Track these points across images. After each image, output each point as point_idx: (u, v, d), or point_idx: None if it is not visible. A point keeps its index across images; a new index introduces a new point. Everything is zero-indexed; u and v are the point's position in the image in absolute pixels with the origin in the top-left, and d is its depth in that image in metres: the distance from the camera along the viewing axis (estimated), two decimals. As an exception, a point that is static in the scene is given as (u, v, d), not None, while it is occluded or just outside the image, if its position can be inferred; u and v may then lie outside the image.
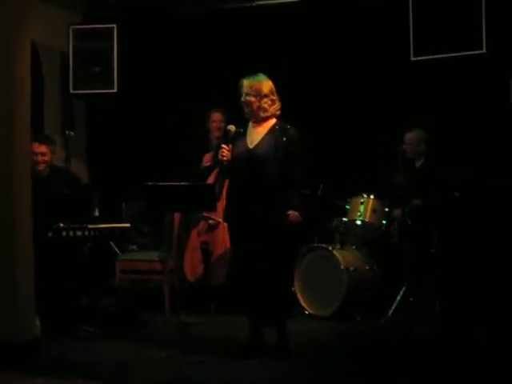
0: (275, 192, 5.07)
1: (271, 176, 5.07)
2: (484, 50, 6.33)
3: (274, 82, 5.28)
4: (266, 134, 5.19)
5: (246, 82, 5.21)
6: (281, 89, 5.31)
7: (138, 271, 6.56)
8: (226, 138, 5.31)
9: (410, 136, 6.71)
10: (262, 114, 5.21)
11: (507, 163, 6.41)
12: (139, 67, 7.91)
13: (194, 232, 6.84)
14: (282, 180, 5.08)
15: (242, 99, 5.21)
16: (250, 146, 5.19)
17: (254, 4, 7.47)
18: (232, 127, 5.31)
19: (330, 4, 7.29)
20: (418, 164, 6.77)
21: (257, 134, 5.22)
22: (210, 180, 6.76)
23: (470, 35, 6.39)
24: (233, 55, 7.55)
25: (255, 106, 5.18)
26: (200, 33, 7.75)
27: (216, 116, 7.05)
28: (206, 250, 6.51)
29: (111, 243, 7.02)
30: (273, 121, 5.25)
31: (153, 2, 7.78)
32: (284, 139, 5.14)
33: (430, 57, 6.60)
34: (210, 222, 6.68)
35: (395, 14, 6.88)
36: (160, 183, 5.66)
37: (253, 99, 5.17)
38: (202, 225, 6.77)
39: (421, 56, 6.66)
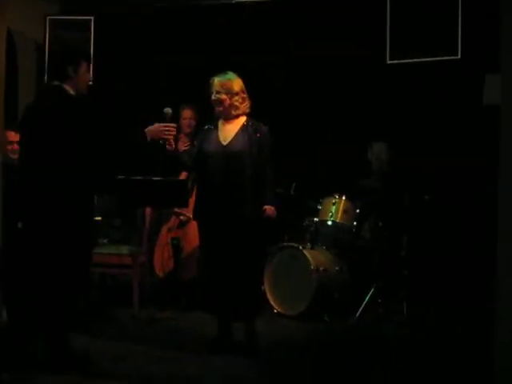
0: (250, 188, 5.10)
1: (246, 172, 5.11)
2: (459, 56, 6.43)
3: (249, 80, 5.30)
4: (239, 131, 5.23)
5: (216, 81, 5.22)
6: (256, 87, 5.32)
7: (107, 265, 6.45)
8: (164, 120, 5.05)
9: (375, 155, 6.76)
10: (233, 112, 5.24)
11: (480, 166, 6.41)
12: (115, 60, 7.86)
13: (165, 227, 6.83)
14: (257, 176, 5.12)
15: (213, 97, 5.23)
16: (224, 143, 5.21)
17: (232, 1, 7.47)
18: (169, 110, 5.13)
19: (307, 4, 7.32)
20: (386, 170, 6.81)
21: (229, 132, 5.25)
22: (183, 175, 6.76)
23: (446, 41, 6.49)
24: (209, 51, 7.54)
25: (226, 104, 5.21)
26: (177, 28, 7.75)
27: (186, 113, 7.02)
28: (176, 246, 6.51)
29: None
30: (243, 118, 5.28)
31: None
32: (257, 136, 5.19)
33: (406, 61, 6.65)
34: (181, 217, 6.67)
35: (372, 16, 6.94)
36: (132, 177, 5.50)
37: (224, 97, 5.19)
38: (173, 220, 6.78)
39: (396, 59, 6.70)
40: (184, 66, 7.63)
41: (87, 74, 4.75)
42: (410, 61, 6.64)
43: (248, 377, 4.68)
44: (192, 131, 6.95)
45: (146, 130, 4.86)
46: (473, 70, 6.55)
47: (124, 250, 6.49)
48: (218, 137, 5.27)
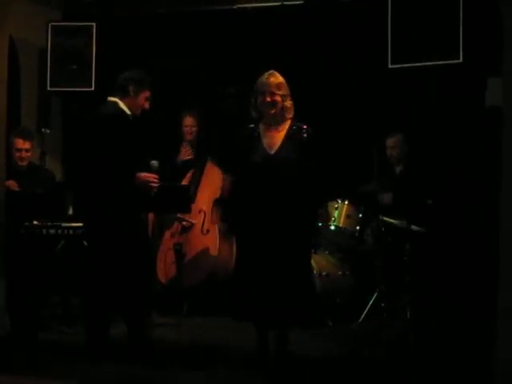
0: (301, 200, 4.71)
1: (297, 183, 4.69)
2: (461, 60, 6.33)
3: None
4: (286, 137, 4.78)
5: (272, 80, 4.76)
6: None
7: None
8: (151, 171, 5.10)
9: (394, 140, 6.71)
10: (286, 115, 4.80)
11: (484, 168, 6.38)
12: (117, 66, 7.55)
13: (168, 233, 6.83)
14: (308, 186, 4.72)
15: (267, 99, 4.74)
16: (271, 152, 4.76)
17: (234, 7, 7.42)
18: (154, 163, 5.14)
19: (309, 10, 7.28)
20: (398, 169, 6.77)
21: (275, 138, 4.79)
22: (185, 181, 6.78)
23: (448, 45, 6.39)
24: (212, 57, 7.49)
25: (280, 106, 4.77)
26: (179, 34, 7.70)
27: (188, 120, 7.01)
28: (178, 252, 6.50)
29: (84, 242, 6.75)
30: (288, 122, 4.83)
31: (132, 2, 7.71)
32: (305, 140, 4.75)
33: (408, 65, 6.56)
34: (184, 223, 6.67)
35: (374, 21, 6.89)
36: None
37: (279, 99, 4.75)
38: (176, 226, 6.77)
39: (398, 64, 6.61)
40: (186, 72, 7.55)
41: (147, 102, 5.04)
42: (413, 65, 6.53)
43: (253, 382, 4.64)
44: (194, 139, 6.97)
45: (137, 175, 4.93)
46: (475, 74, 6.52)
47: (126, 255, 6.43)
48: (262, 144, 4.79)
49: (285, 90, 4.78)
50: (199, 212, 6.66)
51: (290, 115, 4.82)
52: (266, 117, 4.81)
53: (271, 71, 4.82)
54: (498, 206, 4.44)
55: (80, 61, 7.49)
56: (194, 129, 6.95)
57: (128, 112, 4.97)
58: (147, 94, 5.03)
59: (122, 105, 4.95)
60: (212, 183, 6.76)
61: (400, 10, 6.62)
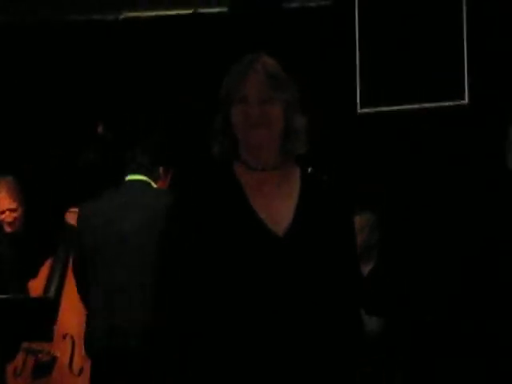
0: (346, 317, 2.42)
1: (333, 298, 2.34)
2: (466, 100, 5.16)
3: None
4: (302, 199, 2.31)
5: (260, 68, 2.25)
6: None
7: None
8: None
9: (358, 221, 5.06)
10: (294, 148, 2.29)
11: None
12: None
13: (10, 371, 4.54)
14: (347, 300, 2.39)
15: (252, 110, 2.23)
16: (278, 233, 2.26)
17: (120, 17, 6.11)
18: None
19: (236, 20, 5.81)
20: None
21: (278, 200, 2.32)
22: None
23: (447, 81, 5.25)
24: (94, 74, 6.11)
25: (279, 127, 2.26)
26: (49, 48, 6.18)
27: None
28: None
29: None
30: (294, 165, 2.37)
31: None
32: (334, 205, 2.34)
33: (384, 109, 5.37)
34: (40, 356, 4.57)
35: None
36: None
37: (277, 110, 2.23)
38: (25, 361, 4.57)
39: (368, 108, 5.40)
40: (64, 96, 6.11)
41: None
42: (390, 109, 5.31)
43: None
44: (17, 230, 4.80)
45: None
46: (484, 119, 5.21)
47: None
48: (253, 215, 2.28)
49: (290, 91, 2.30)
50: (64, 338, 4.62)
51: (303, 147, 2.33)
52: (250, 150, 2.29)
53: (257, 54, 2.33)
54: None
55: None
56: (15, 215, 4.73)
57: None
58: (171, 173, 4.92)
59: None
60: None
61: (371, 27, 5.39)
